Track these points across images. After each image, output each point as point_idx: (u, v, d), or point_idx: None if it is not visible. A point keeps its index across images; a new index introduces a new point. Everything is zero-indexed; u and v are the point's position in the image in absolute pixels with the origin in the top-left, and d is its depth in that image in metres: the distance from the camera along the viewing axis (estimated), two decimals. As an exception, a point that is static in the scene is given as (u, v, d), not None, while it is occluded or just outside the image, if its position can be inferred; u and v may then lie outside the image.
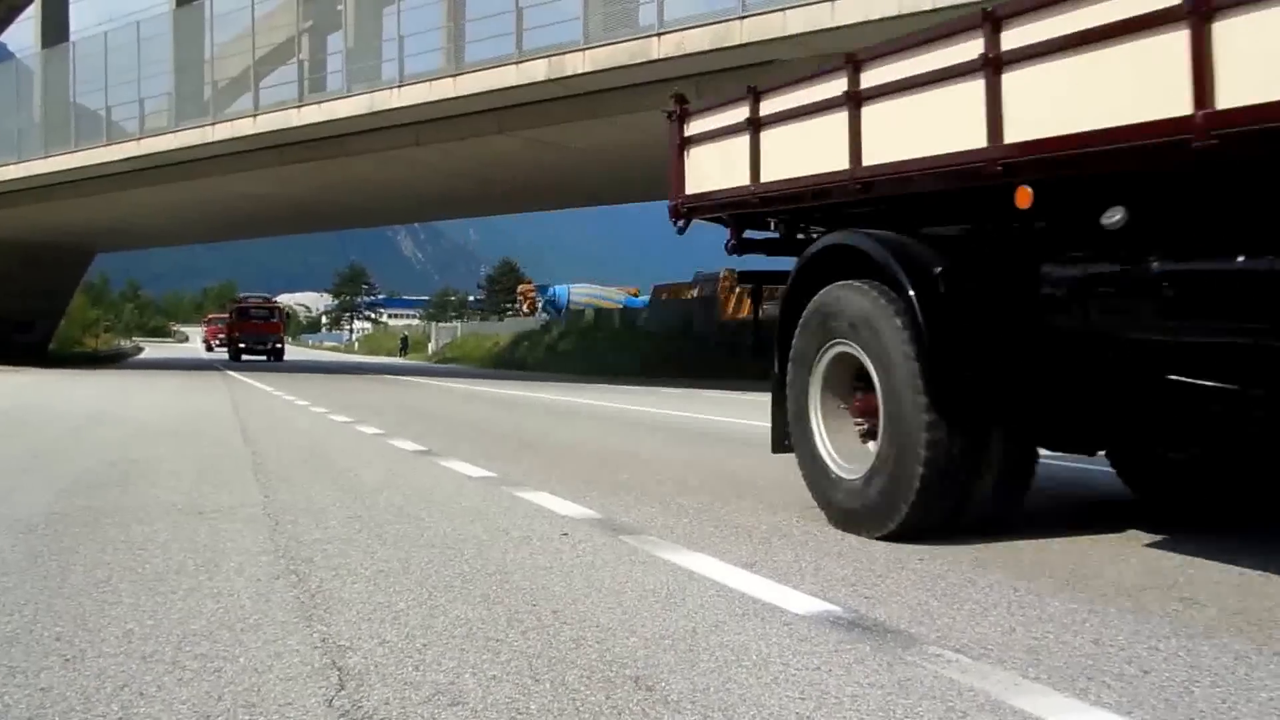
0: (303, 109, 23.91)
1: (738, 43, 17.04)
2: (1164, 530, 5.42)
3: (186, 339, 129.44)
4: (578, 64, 19.10)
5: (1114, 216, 3.98)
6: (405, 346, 74.21)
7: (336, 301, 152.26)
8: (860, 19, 15.57)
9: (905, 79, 4.75)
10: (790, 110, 5.62)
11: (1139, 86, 3.72)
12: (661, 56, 17.96)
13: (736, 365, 30.55)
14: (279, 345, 50.51)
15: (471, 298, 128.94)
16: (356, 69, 23.28)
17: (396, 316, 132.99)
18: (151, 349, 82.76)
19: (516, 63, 20.08)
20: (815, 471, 5.58)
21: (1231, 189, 3.92)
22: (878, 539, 4.93)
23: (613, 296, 54.15)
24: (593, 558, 4.61)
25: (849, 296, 5.07)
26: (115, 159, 28.16)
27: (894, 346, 4.70)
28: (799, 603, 3.83)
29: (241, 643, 3.31)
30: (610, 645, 3.29)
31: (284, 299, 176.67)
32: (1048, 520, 5.71)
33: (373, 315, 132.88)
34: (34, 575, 4.27)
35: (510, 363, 45.51)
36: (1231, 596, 4.02)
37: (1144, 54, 3.68)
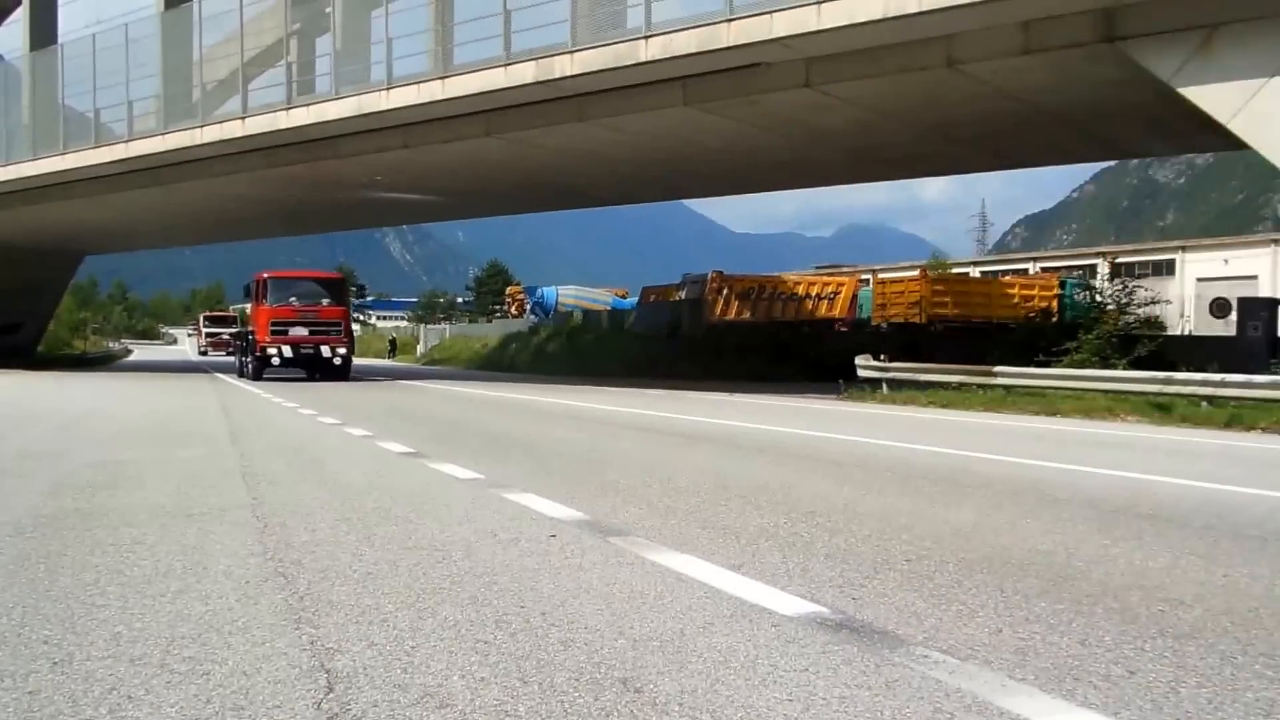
0: (291, 111, 23.80)
1: (725, 45, 17.03)
2: (1148, 535, 5.46)
3: (175, 341, 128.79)
4: (565, 66, 19.05)
5: None
6: (393, 348, 73.89)
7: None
8: (846, 22, 15.58)
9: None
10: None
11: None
12: (649, 59, 17.94)
13: (723, 366, 30.69)
14: (341, 351, 28.16)
15: (460, 299, 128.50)
16: (345, 71, 23.14)
17: (385, 318, 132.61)
18: (140, 351, 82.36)
19: (505, 65, 20.01)
20: None
21: None
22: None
23: (600, 298, 54.04)
24: (580, 559, 4.61)
25: None
26: (103, 161, 27.98)
27: None
28: (787, 604, 3.84)
29: (230, 645, 3.31)
30: (598, 647, 3.30)
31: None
32: (1034, 523, 5.74)
33: (361, 317, 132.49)
34: (22, 578, 4.26)
35: (498, 364, 45.45)
36: (1216, 597, 4.05)
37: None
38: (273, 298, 27.66)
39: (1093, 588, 4.16)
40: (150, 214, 35.62)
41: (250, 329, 28.98)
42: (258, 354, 27.28)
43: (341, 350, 27.90)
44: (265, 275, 28.06)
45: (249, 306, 30.00)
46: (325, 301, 28.25)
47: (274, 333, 27.06)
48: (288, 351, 27.14)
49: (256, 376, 27.26)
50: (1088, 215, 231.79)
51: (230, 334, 73.32)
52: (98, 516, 5.72)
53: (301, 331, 27.37)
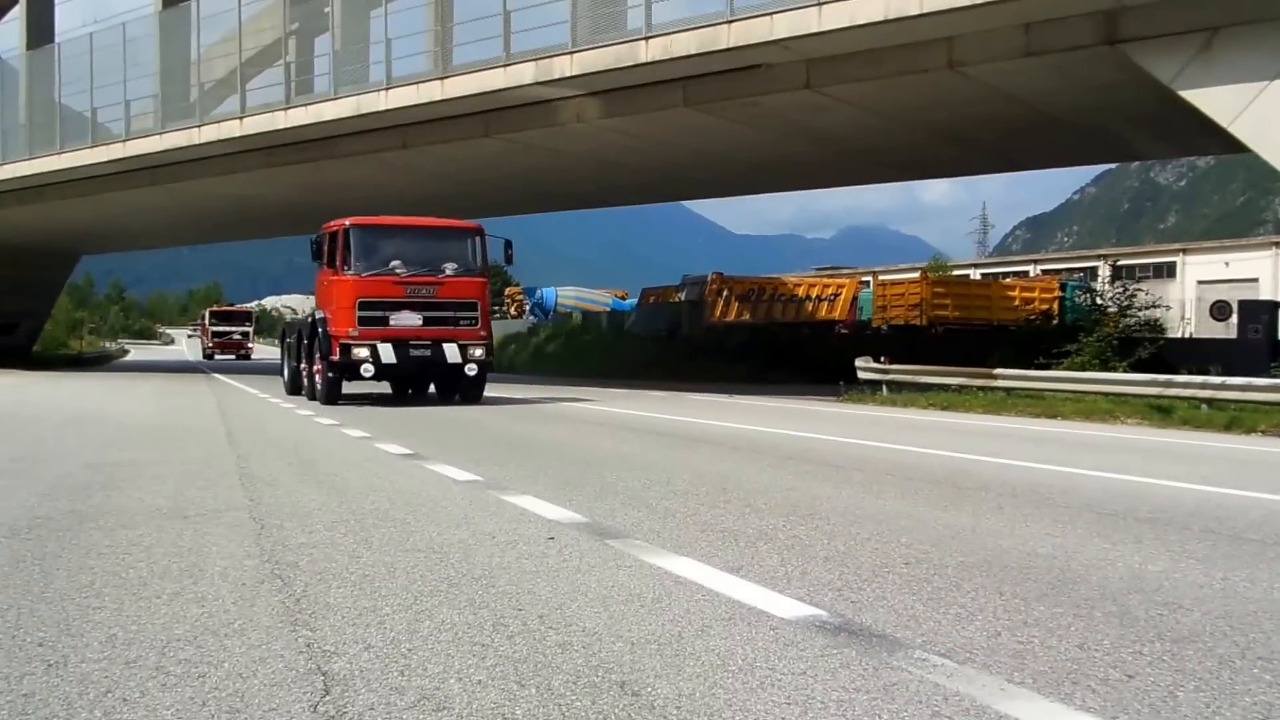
0: (289, 111, 23.82)
1: (725, 46, 17.04)
2: (1147, 538, 5.45)
3: (172, 341, 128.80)
4: (565, 67, 19.05)
5: None
6: (392, 349, 73.59)
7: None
8: (847, 23, 15.58)
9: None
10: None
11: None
12: (649, 60, 17.95)
13: (723, 368, 30.68)
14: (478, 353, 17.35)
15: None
16: (343, 71, 23.15)
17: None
18: (136, 351, 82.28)
19: (504, 66, 20.02)
20: None
21: None
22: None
23: (600, 299, 53.99)
24: (579, 562, 4.60)
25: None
26: (101, 160, 28.01)
27: None
28: (785, 607, 3.83)
29: (226, 648, 3.29)
30: (596, 650, 3.29)
31: (270, 301, 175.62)
32: (1033, 526, 5.74)
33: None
34: (17, 580, 4.24)
35: (497, 365, 45.33)
36: (1215, 601, 4.04)
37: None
38: (362, 261, 16.57)
39: (1091, 591, 4.16)
40: (147, 214, 35.64)
41: (318, 315, 17.59)
42: (336, 358, 16.50)
43: (478, 351, 17.09)
44: (349, 222, 16.89)
45: (318, 286, 18.15)
46: (450, 269, 16.93)
47: (365, 321, 16.39)
48: (388, 353, 16.40)
49: (331, 397, 16.87)
50: (1089, 217, 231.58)
51: (241, 333, 64.68)
52: (93, 518, 5.71)
53: (411, 319, 16.61)
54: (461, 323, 16.95)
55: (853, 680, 3.00)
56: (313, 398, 17.57)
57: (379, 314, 16.43)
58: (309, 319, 18.57)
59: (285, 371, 20.82)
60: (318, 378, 17.34)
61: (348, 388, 17.53)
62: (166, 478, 7.43)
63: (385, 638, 3.42)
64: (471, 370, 16.97)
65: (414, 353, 16.62)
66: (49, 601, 3.90)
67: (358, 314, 16.32)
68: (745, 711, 2.76)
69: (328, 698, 2.83)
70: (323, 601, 3.90)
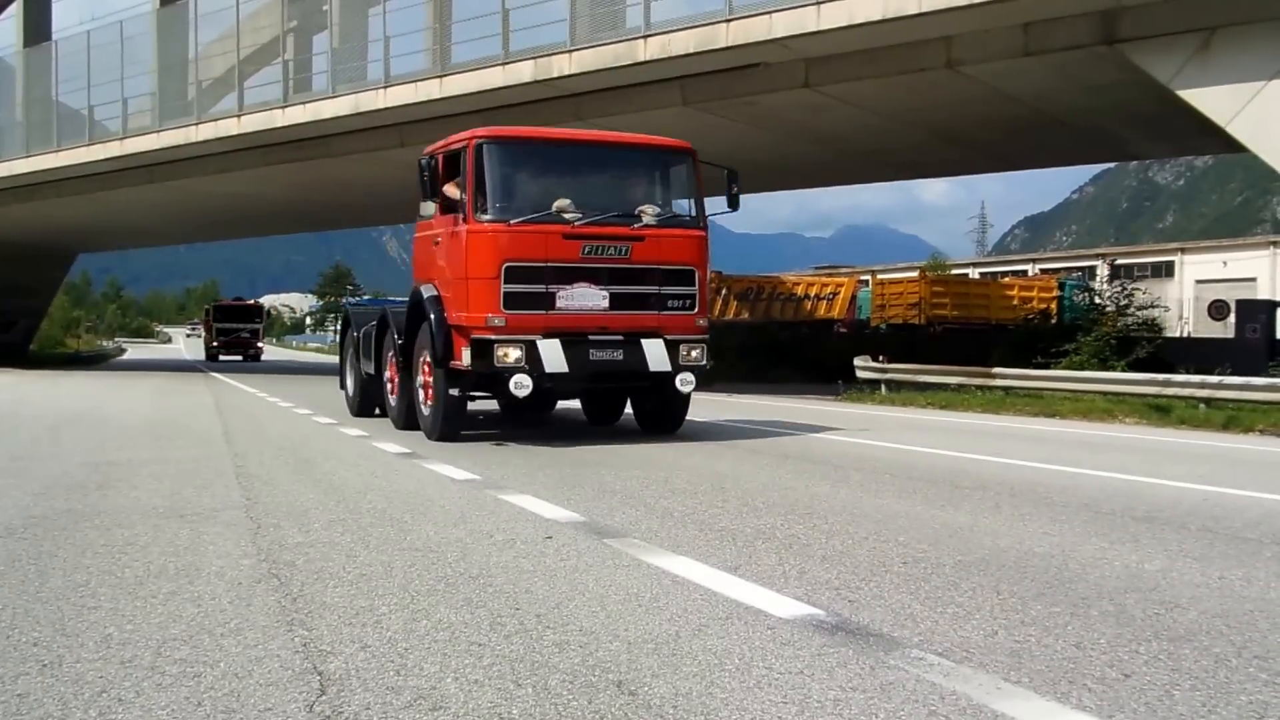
0: (287, 109, 23.78)
1: (723, 45, 17.03)
2: (1145, 537, 5.45)
3: (170, 339, 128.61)
4: (564, 66, 19.04)
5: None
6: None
7: (320, 302, 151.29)
8: (845, 22, 15.57)
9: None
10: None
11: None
12: (648, 59, 17.93)
13: (721, 367, 30.67)
14: (694, 354, 10.37)
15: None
16: (341, 70, 23.13)
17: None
18: (134, 350, 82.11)
19: (503, 64, 20.00)
20: None
21: None
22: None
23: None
24: (576, 561, 4.60)
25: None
26: (98, 159, 27.96)
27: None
28: (783, 606, 3.83)
29: (222, 647, 3.29)
30: (593, 649, 3.29)
31: (268, 300, 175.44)
32: (1031, 525, 5.73)
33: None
34: (12, 579, 4.23)
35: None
36: (1212, 600, 4.04)
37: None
38: (506, 201, 9.95)
39: (1089, 590, 4.15)
40: (144, 212, 35.58)
41: (425, 293, 10.69)
42: (464, 364, 9.93)
43: (695, 352, 10.49)
44: (481, 135, 10.08)
45: (419, 246, 11.93)
46: (650, 214, 10.35)
47: (515, 301, 9.74)
48: (554, 356, 9.75)
49: (451, 427, 10.42)
50: (1087, 217, 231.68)
51: (250, 330, 53.93)
52: (89, 517, 5.70)
53: (592, 298, 9.99)
54: (671, 304, 10.40)
55: (850, 679, 3.00)
56: (408, 425, 11.26)
57: (539, 289, 9.83)
58: (390, 301, 13.27)
59: (350, 383, 14.33)
60: (422, 395, 10.88)
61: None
62: (163, 477, 7.41)
63: (382, 637, 3.41)
64: (686, 385, 10.46)
65: (595, 354, 10.03)
66: (44, 601, 3.89)
67: (503, 289, 9.70)
68: (742, 710, 2.75)
69: (324, 697, 2.83)
70: (319, 601, 3.89)
